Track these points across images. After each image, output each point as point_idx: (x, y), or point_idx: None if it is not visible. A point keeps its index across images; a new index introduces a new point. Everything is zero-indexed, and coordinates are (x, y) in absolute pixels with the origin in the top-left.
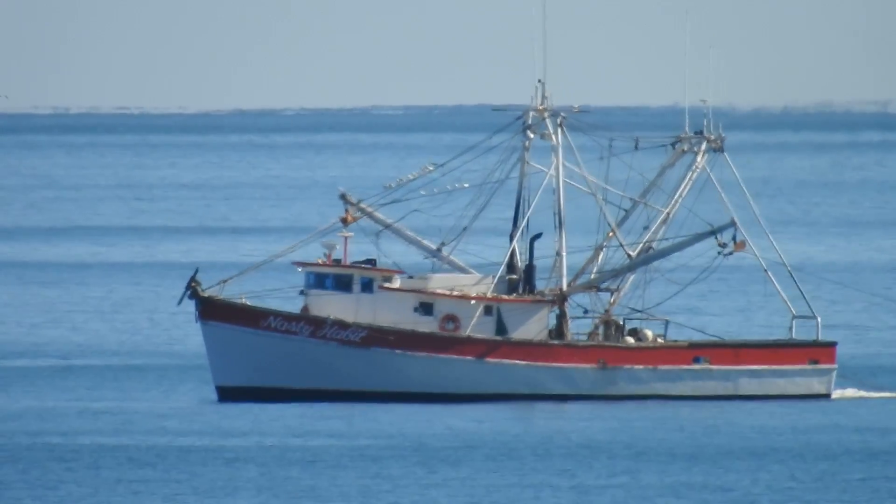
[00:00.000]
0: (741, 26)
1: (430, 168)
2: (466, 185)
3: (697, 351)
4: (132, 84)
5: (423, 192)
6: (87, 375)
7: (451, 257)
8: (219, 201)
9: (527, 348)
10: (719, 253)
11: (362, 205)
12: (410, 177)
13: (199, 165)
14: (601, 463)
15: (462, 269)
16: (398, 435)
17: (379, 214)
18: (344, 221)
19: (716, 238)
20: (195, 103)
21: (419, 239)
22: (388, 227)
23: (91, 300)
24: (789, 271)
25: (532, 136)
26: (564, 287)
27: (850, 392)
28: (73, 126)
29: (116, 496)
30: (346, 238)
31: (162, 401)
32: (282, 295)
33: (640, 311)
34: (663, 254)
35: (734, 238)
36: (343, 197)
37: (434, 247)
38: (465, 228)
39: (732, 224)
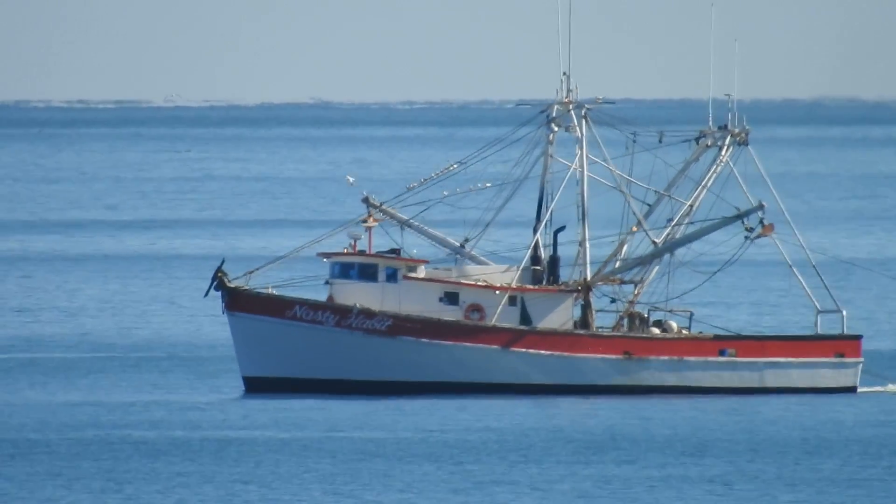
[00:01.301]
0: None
1: (454, 166)
2: (488, 185)
3: (723, 343)
4: (191, 76)
5: (445, 193)
6: (112, 368)
7: (475, 253)
8: (274, 194)
9: (552, 338)
10: (746, 237)
11: (385, 207)
12: (434, 175)
13: (264, 160)
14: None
15: (486, 265)
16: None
17: (402, 216)
18: (365, 222)
19: (742, 222)
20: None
21: (443, 237)
22: (410, 226)
23: (121, 293)
24: (813, 266)
25: (556, 128)
26: (588, 277)
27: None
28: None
29: (152, 488)
30: (370, 228)
31: (190, 393)
32: (307, 285)
33: (661, 309)
34: (690, 238)
35: (761, 222)
36: (366, 200)
37: (458, 244)
38: (488, 224)
39: (760, 207)
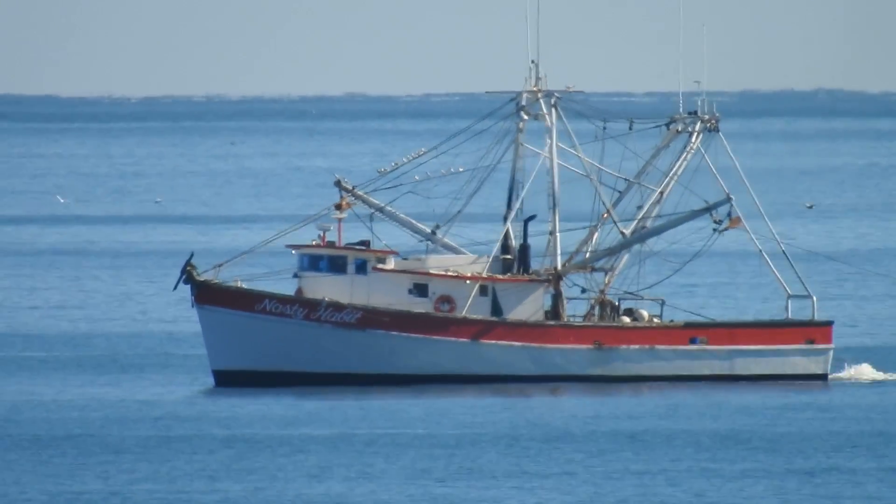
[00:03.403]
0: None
1: (423, 151)
2: (461, 170)
3: (694, 331)
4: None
5: (416, 178)
6: (79, 363)
7: (446, 240)
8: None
9: (522, 329)
10: (714, 230)
11: (357, 191)
12: (405, 160)
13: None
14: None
15: (457, 252)
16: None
17: (374, 199)
18: (338, 207)
19: (711, 215)
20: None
21: (414, 222)
22: (382, 211)
23: (89, 288)
24: (783, 251)
25: (526, 117)
26: (559, 267)
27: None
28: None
29: (119, 483)
30: (339, 220)
31: (160, 387)
32: (276, 278)
33: (633, 294)
34: (658, 231)
35: (729, 214)
36: (338, 183)
37: (428, 230)
38: (459, 211)
39: (728, 200)
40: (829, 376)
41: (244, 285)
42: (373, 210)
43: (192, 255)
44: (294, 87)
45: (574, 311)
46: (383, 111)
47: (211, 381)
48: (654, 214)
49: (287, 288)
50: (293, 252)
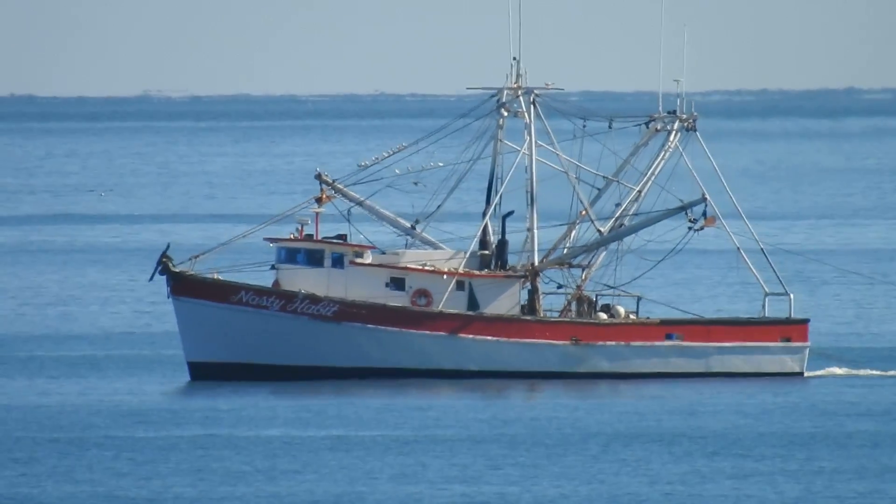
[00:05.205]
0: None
1: (404, 145)
2: (441, 164)
3: (670, 328)
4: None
5: (397, 171)
6: (53, 355)
7: (425, 234)
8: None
9: (499, 324)
10: (690, 228)
11: (337, 184)
12: (385, 154)
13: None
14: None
15: (436, 247)
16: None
17: (354, 193)
18: (319, 201)
19: (686, 214)
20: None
21: (394, 217)
22: (362, 205)
23: (68, 284)
24: (762, 249)
25: (506, 113)
26: (536, 263)
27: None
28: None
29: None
30: (317, 214)
31: (133, 379)
32: (253, 270)
33: (612, 287)
34: (634, 229)
35: (704, 214)
36: (319, 177)
37: (408, 224)
38: (439, 206)
39: (703, 200)
40: (805, 374)
41: (220, 277)
42: (353, 204)
43: (168, 247)
44: (285, 88)
45: (550, 306)
46: (368, 111)
47: (185, 372)
48: (632, 212)
49: (265, 281)
50: (271, 244)
